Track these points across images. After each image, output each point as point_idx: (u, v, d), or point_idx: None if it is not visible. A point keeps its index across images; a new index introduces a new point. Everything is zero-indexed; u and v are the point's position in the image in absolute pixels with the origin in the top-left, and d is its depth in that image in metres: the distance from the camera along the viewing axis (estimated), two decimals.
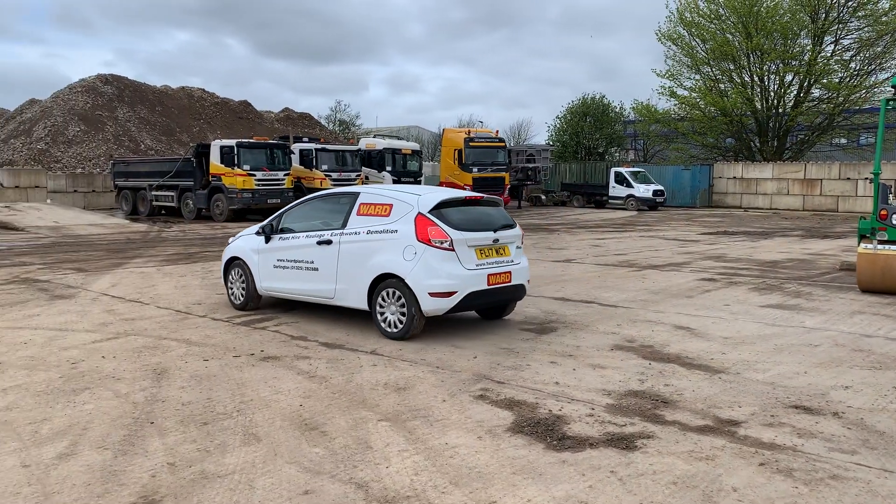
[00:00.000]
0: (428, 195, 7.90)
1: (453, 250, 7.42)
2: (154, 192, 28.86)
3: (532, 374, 6.28)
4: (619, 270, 13.20)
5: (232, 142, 26.92)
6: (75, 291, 10.56)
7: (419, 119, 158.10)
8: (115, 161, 32.88)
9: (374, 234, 7.79)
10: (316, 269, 8.27)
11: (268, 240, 8.85)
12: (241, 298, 9.16)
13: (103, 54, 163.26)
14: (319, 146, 29.70)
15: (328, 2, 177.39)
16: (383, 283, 7.63)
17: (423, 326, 7.57)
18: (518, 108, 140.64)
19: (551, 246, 17.82)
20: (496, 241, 7.85)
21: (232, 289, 9.36)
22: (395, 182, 30.94)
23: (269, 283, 8.87)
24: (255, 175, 26.08)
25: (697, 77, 43.52)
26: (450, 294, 7.36)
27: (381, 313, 7.69)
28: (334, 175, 28.73)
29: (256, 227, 9.20)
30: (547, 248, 17.17)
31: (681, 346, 7.36)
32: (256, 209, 26.24)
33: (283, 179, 27.22)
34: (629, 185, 36.84)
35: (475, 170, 32.65)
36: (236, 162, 26.02)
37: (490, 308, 8.51)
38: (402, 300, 7.48)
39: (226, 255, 9.54)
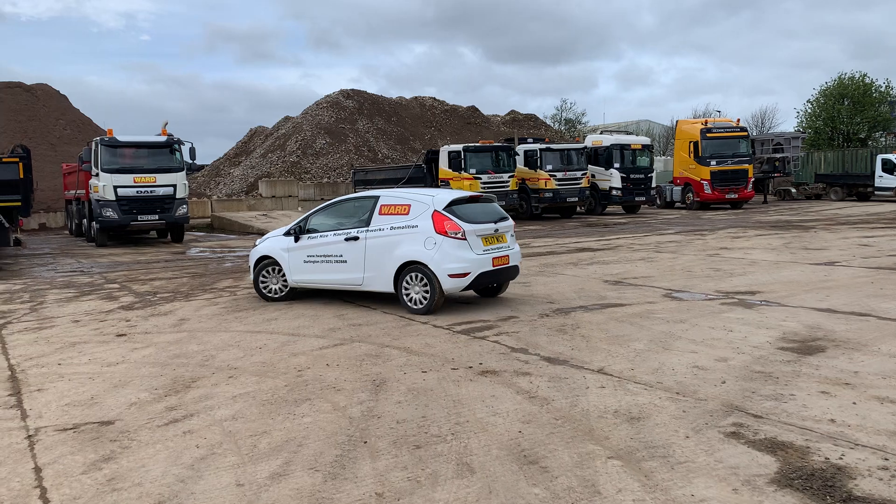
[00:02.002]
0: (440, 195, 9.35)
1: (465, 239, 8.90)
2: None
3: (798, 408, 5.16)
4: None
5: (459, 146, 27.41)
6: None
7: (650, 113, 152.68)
8: (356, 170, 35.09)
9: (396, 229, 9.22)
10: (345, 262, 9.66)
11: (297, 239, 10.14)
12: (283, 291, 10.46)
13: (350, 71, 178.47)
14: (544, 146, 29.22)
15: (559, 2, 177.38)
16: (407, 269, 9.08)
17: (442, 303, 9.04)
18: (761, 95, 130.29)
19: (808, 246, 15.67)
20: (496, 230, 9.40)
21: (267, 283, 10.55)
22: (623, 179, 29.68)
23: (301, 276, 10.22)
24: (480, 178, 26.33)
25: None
26: (465, 275, 8.87)
27: (407, 294, 9.18)
28: (559, 175, 28.14)
29: (283, 229, 10.52)
30: (802, 249, 15.10)
31: None
32: None
33: (507, 181, 27.21)
34: None
35: (713, 163, 30.33)
36: (463, 166, 26.48)
37: (489, 288, 9.94)
38: (426, 282, 8.96)
39: (255, 256, 10.71)
